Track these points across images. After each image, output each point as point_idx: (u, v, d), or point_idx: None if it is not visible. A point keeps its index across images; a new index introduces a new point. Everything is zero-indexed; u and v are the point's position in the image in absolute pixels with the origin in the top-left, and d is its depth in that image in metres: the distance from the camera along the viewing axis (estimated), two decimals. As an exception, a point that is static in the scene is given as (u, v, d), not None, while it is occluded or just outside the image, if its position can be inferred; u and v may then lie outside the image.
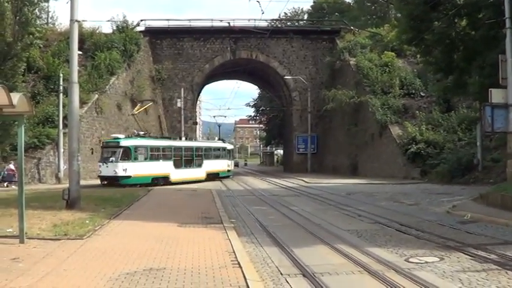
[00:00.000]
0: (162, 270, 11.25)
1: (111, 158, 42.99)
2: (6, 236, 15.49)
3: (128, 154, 43.31)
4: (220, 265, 11.84)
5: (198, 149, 55.30)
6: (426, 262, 12.76)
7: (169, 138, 54.19)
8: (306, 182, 50.98)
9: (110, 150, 43.86)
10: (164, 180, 46.38)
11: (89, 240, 15.26)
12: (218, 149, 59.96)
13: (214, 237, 15.84)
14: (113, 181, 41.68)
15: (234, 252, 13.31)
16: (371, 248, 14.50)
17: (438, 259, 13.01)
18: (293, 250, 14.29)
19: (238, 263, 11.93)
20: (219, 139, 72.67)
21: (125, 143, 43.75)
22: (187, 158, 52.28)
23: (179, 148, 51.59)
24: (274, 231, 18.05)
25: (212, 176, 54.56)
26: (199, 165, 53.27)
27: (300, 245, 15.24)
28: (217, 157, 57.68)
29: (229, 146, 66.30)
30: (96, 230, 17.00)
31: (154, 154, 46.83)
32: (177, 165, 49.43)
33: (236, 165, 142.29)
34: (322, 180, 51.46)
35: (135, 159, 43.75)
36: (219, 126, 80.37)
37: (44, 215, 20.09)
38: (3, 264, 11.79)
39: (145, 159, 45.17)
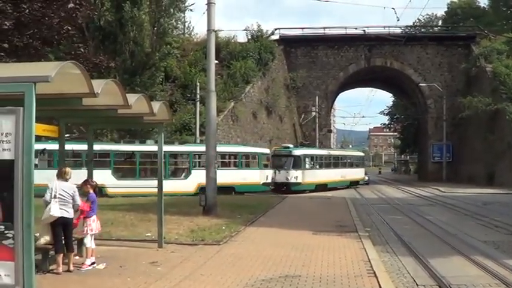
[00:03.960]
0: (297, 278, 11.17)
1: None
2: (145, 240, 15.94)
3: None
4: (356, 274, 11.65)
5: (176, 155, 43.50)
6: None
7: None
8: (441, 191, 49.99)
9: None
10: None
11: (225, 246, 15.44)
12: (234, 155, 45.72)
13: (349, 246, 15.65)
14: None
15: (369, 261, 13.08)
16: (509, 260, 13.93)
17: None
18: (428, 260, 13.93)
19: (374, 273, 11.71)
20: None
21: None
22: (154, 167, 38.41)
23: (126, 154, 38.99)
24: (409, 240, 17.71)
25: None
26: (184, 176, 41.81)
27: (435, 255, 14.86)
28: (237, 165, 44.76)
29: (264, 150, 49.30)
30: (233, 236, 17.19)
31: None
32: (123, 175, 39.40)
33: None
34: (457, 189, 50.38)
35: None
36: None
37: (181, 221, 20.58)
38: (142, 267, 12.10)
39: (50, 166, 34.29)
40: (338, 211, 27.51)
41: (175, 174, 42.59)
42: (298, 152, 51.48)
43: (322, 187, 51.54)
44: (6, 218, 7.65)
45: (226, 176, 39.69)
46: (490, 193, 44.77)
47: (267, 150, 49.01)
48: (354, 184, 61.49)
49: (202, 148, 41.37)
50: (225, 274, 11.52)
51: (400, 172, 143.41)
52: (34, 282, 7.68)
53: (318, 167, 53.94)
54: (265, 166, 47.20)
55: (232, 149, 46.67)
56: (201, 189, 36.91)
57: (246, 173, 43.07)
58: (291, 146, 54.60)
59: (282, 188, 47.28)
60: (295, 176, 48.69)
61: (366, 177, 69.35)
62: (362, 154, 73.24)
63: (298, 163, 49.64)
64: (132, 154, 38.32)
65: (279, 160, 49.71)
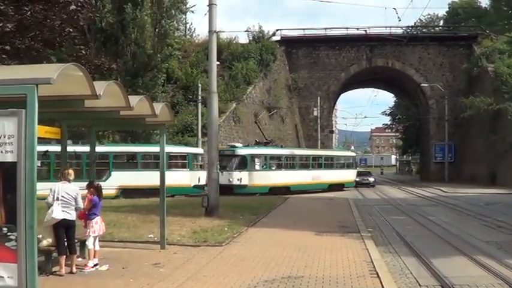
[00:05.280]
0: (300, 279, 11.16)
1: None
2: (147, 242, 15.94)
3: None
4: (358, 275, 11.64)
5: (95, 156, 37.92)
6: None
7: None
8: (443, 191, 49.94)
9: None
10: None
11: (227, 247, 15.43)
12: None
13: (351, 246, 15.64)
14: None
15: (372, 261, 13.07)
16: (511, 260, 13.88)
17: None
18: (431, 261, 13.92)
19: (377, 273, 11.71)
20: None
21: None
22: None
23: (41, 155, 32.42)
24: (411, 241, 17.71)
25: None
26: (104, 179, 36.44)
27: (438, 255, 14.86)
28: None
29: (196, 150, 44.90)
30: (235, 237, 17.17)
31: None
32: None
33: None
34: (459, 189, 50.31)
35: None
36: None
37: (184, 222, 20.56)
38: (145, 269, 12.09)
39: None
40: (340, 212, 27.48)
41: (93, 176, 37.90)
42: (243, 151, 45.89)
43: (282, 190, 45.26)
44: (9, 219, 7.66)
45: (152, 178, 32.89)
46: (492, 193, 44.82)
47: (199, 150, 44.91)
48: (337, 187, 53.33)
49: (123, 148, 40.49)
50: (227, 275, 11.52)
51: (403, 172, 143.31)
52: (37, 284, 7.70)
53: (274, 167, 48.41)
54: (201, 167, 43.28)
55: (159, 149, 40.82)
56: (123, 192, 37.09)
57: (174, 175, 37.04)
58: (239, 145, 48.49)
59: (228, 191, 40.31)
60: (239, 177, 43.92)
61: (372, 179, 65.72)
62: (351, 154, 67.21)
63: (243, 164, 44.84)
64: (44, 155, 34.74)
65: (223, 161, 43.45)
